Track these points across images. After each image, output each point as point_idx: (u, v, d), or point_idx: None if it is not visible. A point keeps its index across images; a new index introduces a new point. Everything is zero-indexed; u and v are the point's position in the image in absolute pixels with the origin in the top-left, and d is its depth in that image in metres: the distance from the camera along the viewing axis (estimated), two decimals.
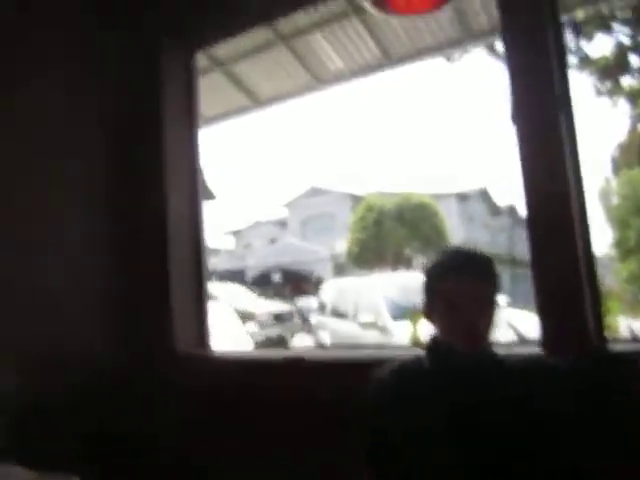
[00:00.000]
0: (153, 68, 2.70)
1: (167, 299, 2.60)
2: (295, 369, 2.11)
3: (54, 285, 2.41)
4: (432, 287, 1.42)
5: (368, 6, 1.11)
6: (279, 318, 12.10)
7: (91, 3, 2.68)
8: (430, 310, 1.43)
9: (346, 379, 1.85)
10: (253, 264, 24.24)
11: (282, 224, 28.46)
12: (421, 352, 1.47)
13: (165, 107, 2.69)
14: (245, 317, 10.88)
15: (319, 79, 3.89)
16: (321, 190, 26.01)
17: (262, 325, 11.50)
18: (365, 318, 7.55)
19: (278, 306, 13.25)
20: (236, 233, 30.04)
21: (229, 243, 29.91)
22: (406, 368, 1.46)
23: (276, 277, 21.01)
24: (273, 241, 27.44)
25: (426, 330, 1.57)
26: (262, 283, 20.16)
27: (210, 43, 2.73)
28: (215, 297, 10.91)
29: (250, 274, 22.77)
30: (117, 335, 2.63)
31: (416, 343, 5.32)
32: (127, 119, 2.76)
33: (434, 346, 1.43)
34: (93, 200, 2.69)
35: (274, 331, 11.24)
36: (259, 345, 10.27)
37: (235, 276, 20.10)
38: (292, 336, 11.07)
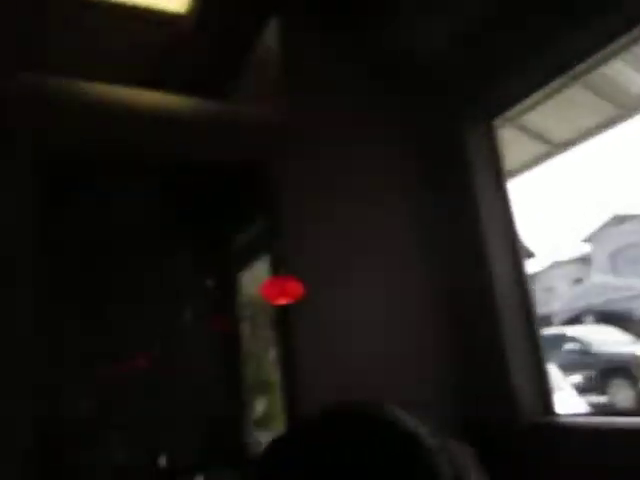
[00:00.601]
0: (456, 136, 2.85)
1: (504, 364, 2.59)
2: None
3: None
4: None
5: None
6: None
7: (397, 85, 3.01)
8: None
9: None
10: (558, 308, 22.43)
11: (585, 261, 25.91)
12: None
13: (472, 170, 2.78)
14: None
15: (623, 108, 3.56)
16: (627, 216, 23.02)
17: None
18: None
19: None
20: (534, 276, 28.41)
21: None
22: None
23: (589, 321, 19.00)
24: (577, 281, 25.07)
25: None
26: None
27: (509, 107, 2.78)
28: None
29: (557, 320, 21.09)
30: (454, 406, 2.70)
31: None
32: (434, 186, 2.94)
33: None
34: (420, 272, 2.91)
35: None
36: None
37: (541, 323, 18.87)
38: None
